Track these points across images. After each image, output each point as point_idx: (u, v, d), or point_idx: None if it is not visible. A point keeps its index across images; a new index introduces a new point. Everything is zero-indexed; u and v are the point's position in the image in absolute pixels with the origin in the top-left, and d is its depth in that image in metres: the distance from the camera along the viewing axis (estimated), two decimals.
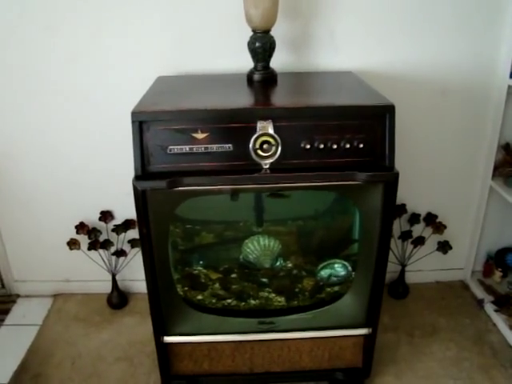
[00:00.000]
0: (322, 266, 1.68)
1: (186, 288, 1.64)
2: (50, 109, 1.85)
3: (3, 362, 1.82)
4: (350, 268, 1.66)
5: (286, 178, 1.31)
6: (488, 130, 1.94)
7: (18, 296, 2.22)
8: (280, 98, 1.55)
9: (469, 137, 1.97)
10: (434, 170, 2.02)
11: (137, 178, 1.29)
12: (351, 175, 1.30)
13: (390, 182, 1.32)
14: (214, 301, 1.65)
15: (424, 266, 2.19)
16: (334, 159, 1.32)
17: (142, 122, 1.26)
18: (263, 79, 1.59)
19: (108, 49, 1.76)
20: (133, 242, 2.05)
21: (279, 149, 1.29)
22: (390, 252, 1.51)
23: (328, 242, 1.74)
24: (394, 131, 1.31)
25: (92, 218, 2.03)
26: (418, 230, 2.08)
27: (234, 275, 1.70)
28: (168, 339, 1.54)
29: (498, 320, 1.95)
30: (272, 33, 1.57)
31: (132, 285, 2.17)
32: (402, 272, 2.12)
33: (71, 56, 1.76)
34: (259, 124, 1.27)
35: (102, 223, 2.03)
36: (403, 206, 2.03)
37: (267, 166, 1.30)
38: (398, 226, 2.05)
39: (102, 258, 2.05)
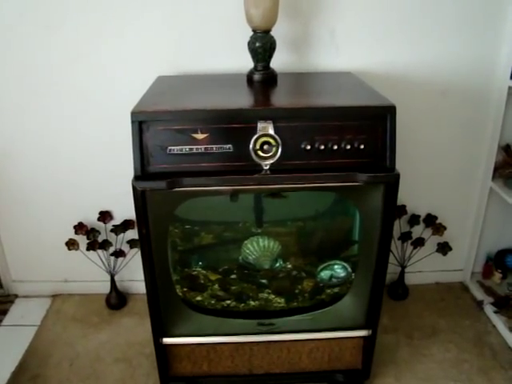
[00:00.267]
0: (321, 267, 1.68)
1: (185, 289, 1.63)
2: (49, 109, 1.84)
3: (1, 363, 1.81)
4: (349, 269, 1.66)
5: (286, 179, 1.30)
6: (488, 131, 1.94)
7: (17, 296, 2.21)
8: (280, 98, 1.54)
9: (469, 138, 1.97)
10: (434, 171, 2.01)
11: (136, 178, 1.28)
12: (352, 176, 1.29)
13: (391, 183, 1.31)
14: (213, 302, 1.65)
15: (424, 268, 2.18)
16: (334, 160, 1.31)
17: (141, 122, 1.25)
18: (263, 79, 1.58)
19: (108, 48, 1.75)
20: (132, 243, 2.04)
21: (279, 149, 1.28)
22: (390, 253, 1.51)
23: (328, 243, 1.73)
24: (395, 132, 1.30)
25: (91, 219, 2.02)
26: (418, 231, 2.07)
27: (233, 276, 1.70)
28: (167, 340, 1.53)
29: (498, 321, 1.94)
30: (272, 33, 1.56)
31: (131, 285, 2.17)
32: (402, 273, 2.12)
33: (71, 56, 1.76)
34: (259, 124, 1.27)
35: (101, 223, 2.02)
36: (403, 207, 2.02)
37: (267, 167, 1.29)
38: (398, 227, 2.04)
39: (101, 259, 2.05)
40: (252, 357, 1.60)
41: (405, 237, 2.06)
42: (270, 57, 1.58)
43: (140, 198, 1.28)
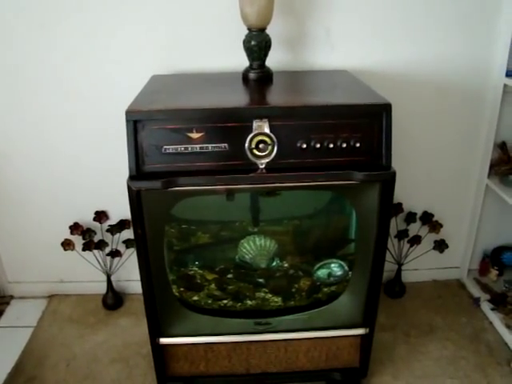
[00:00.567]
0: (318, 265, 1.68)
1: (181, 289, 1.63)
2: (43, 108, 1.83)
3: None
4: (346, 268, 1.66)
5: (282, 178, 1.29)
6: (484, 129, 1.94)
7: (12, 297, 2.20)
8: (276, 96, 1.54)
9: (465, 135, 1.97)
10: (430, 169, 2.01)
11: (131, 177, 1.27)
12: (348, 175, 1.29)
13: (387, 181, 1.31)
14: (209, 301, 1.64)
15: (420, 265, 2.19)
16: (330, 158, 1.31)
17: (136, 122, 1.25)
18: (259, 78, 1.57)
19: (102, 48, 1.74)
20: (128, 243, 2.03)
21: (275, 148, 1.28)
22: (387, 251, 1.51)
23: (324, 241, 1.73)
24: (391, 130, 1.30)
25: (86, 219, 2.01)
26: (415, 228, 2.07)
27: (230, 275, 1.69)
28: (164, 341, 1.53)
29: (494, 318, 1.95)
30: (267, 31, 1.55)
31: (127, 285, 2.16)
32: (399, 271, 2.12)
33: (66, 55, 1.75)
34: (255, 123, 1.26)
35: (97, 223, 2.01)
36: (399, 204, 2.02)
37: (263, 166, 1.29)
38: (395, 224, 2.04)
39: (97, 259, 2.04)
40: (249, 356, 1.60)
41: (401, 235, 2.06)
42: (266, 55, 1.57)
43: (135, 197, 1.27)
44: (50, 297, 2.19)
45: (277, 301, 1.65)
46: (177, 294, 1.59)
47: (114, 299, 2.10)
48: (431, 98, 1.88)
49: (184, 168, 1.28)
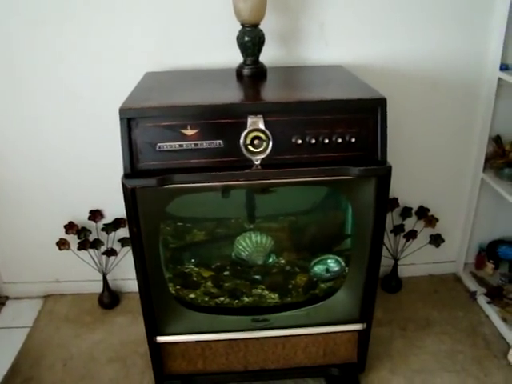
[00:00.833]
0: (315, 261, 1.67)
1: (177, 287, 1.62)
2: (37, 106, 1.82)
3: None
4: (343, 263, 1.65)
5: (277, 174, 1.29)
6: (478, 123, 1.94)
7: (8, 298, 2.19)
8: (270, 92, 1.53)
9: (460, 129, 1.97)
10: (425, 164, 2.01)
11: (126, 175, 1.26)
12: (343, 170, 1.29)
13: (383, 176, 1.30)
14: (206, 299, 1.63)
15: (416, 260, 2.19)
16: (325, 154, 1.30)
17: (130, 119, 1.24)
18: (253, 74, 1.56)
19: (95, 45, 1.72)
20: (123, 241, 2.02)
21: (270, 144, 1.27)
22: (383, 246, 1.51)
23: (321, 237, 1.73)
24: (386, 125, 1.29)
25: (81, 218, 2.00)
26: (410, 223, 2.07)
27: (226, 273, 1.69)
28: (161, 339, 1.52)
29: (491, 312, 1.95)
30: (261, 27, 1.54)
31: (123, 284, 2.15)
32: (395, 266, 2.12)
33: (58, 53, 1.73)
34: (250, 119, 1.25)
35: (92, 222, 2.00)
36: (395, 199, 2.02)
37: (258, 162, 1.28)
38: (390, 219, 2.04)
39: (93, 258, 2.03)
40: (247, 353, 1.60)
41: (397, 229, 2.06)
42: (259, 51, 1.56)
43: (130, 195, 1.26)
44: (46, 297, 2.17)
45: (274, 297, 1.64)
46: (173, 292, 1.58)
47: (110, 298, 2.09)
48: (426, 92, 1.87)
49: (179, 165, 1.27)
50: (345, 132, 1.29)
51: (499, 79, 1.80)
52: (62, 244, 2.00)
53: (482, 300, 2.02)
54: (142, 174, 1.26)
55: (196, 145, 1.26)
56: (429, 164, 2.02)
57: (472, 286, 2.11)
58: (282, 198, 1.61)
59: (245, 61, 1.58)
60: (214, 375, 1.63)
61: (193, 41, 1.72)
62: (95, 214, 2.00)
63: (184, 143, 1.26)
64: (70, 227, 1.99)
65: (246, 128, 1.26)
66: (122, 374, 1.76)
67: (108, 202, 1.97)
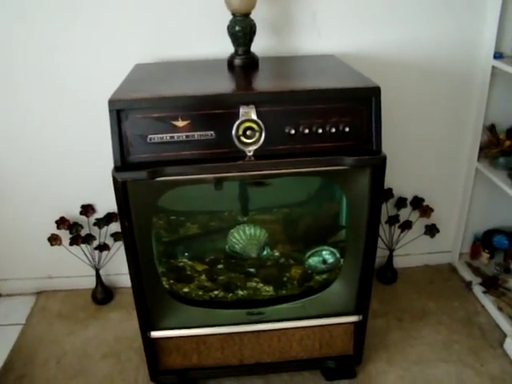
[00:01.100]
0: (309, 253, 1.66)
1: (171, 281, 1.60)
2: (26, 100, 1.78)
3: None
4: (338, 255, 1.64)
5: (270, 165, 1.27)
6: (473, 112, 1.93)
7: (0, 295, 2.16)
8: (262, 82, 1.51)
9: (454, 118, 1.95)
10: (419, 153, 2.00)
11: (116, 169, 1.24)
12: (337, 160, 1.27)
13: (378, 165, 1.29)
14: (200, 293, 1.62)
15: (412, 250, 2.18)
16: (319, 144, 1.28)
17: (119, 111, 1.21)
18: (244, 64, 1.54)
19: (84, 37, 1.69)
20: (115, 236, 2.00)
21: (263, 135, 1.25)
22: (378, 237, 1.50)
23: (315, 228, 1.71)
24: (381, 114, 1.28)
25: (73, 212, 1.97)
26: (405, 214, 2.06)
27: (220, 266, 1.67)
28: (155, 334, 1.50)
29: (486, 301, 1.95)
30: (252, 16, 1.52)
31: (117, 279, 2.13)
32: (390, 257, 2.11)
33: (46, 45, 1.70)
34: (242, 110, 1.23)
35: (84, 217, 1.97)
36: (390, 190, 2.01)
37: (251, 153, 1.26)
38: (385, 210, 2.03)
39: (85, 253, 2.00)
40: (242, 347, 1.58)
41: (392, 220, 2.05)
42: (251, 41, 1.54)
43: (121, 189, 1.24)
44: (39, 293, 2.15)
45: (268, 290, 1.63)
46: (167, 286, 1.56)
47: (103, 293, 2.07)
48: (419, 81, 1.86)
49: (170, 157, 1.25)
50: (338, 121, 1.27)
51: (493, 67, 1.79)
52: (54, 239, 1.98)
53: (478, 290, 2.01)
54: (132, 167, 1.24)
55: (187, 136, 1.24)
56: (423, 154, 2.01)
57: (467, 275, 2.10)
58: (276, 189, 1.59)
59: (236, 51, 1.55)
60: (209, 369, 1.62)
61: (183, 31, 1.70)
62: (87, 209, 1.97)
63: (175, 135, 1.24)
64: (61, 222, 1.96)
65: (238, 118, 1.23)
66: (117, 370, 1.74)
67: (100, 196, 1.95)
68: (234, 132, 1.24)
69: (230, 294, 1.62)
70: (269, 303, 1.56)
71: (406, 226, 2.05)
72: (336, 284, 1.53)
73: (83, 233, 1.99)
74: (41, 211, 1.98)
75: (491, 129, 1.93)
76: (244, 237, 1.65)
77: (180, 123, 1.23)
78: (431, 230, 2.07)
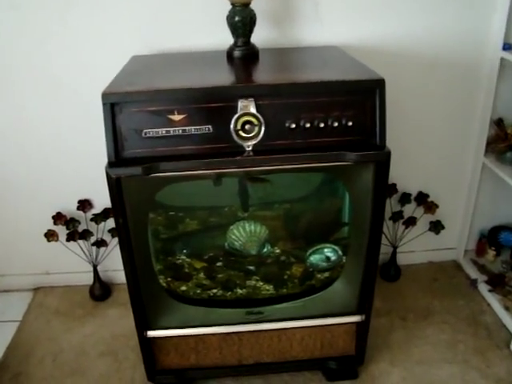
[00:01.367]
0: (311, 251, 1.61)
1: (169, 279, 1.56)
2: (21, 93, 1.74)
3: None
4: (340, 252, 1.60)
5: (270, 160, 1.22)
6: (480, 105, 1.87)
7: None
8: (262, 74, 1.45)
9: (460, 112, 1.90)
10: (424, 148, 1.95)
11: (110, 164, 1.19)
12: (340, 155, 1.22)
13: (382, 161, 1.24)
14: (198, 291, 1.57)
15: (416, 247, 2.14)
16: (321, 139, 1.23)
17: (113, 104, 1.16)
18: (244, 56, 1.49)
19: (79, 28, 1.64)
20: (113, 232, 1.96)
21: (262, 129, 1.20)
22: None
23: (317, 225, 1.67)
24: (385, 107, 1.22)
25: (70, 208, 1.94)
26: (410, 210, 2.01)
27: (219, 264, 1.62)
28: (152, 334, 1.47)
29: (493, 300, 1.90)
30: (252, 6, 1.47)
31: (115, 275, 2.09)
32: (394, 253, 2.07)
33: (40, 37, 1.65)
34: (240, 103, 1.18)
35: (81, 212, 1.94)
36: (394, 185, 1.96)
37: (250, 148, 1.21)
38: (389, 206, 1.98)
39: (82, 249, 1.97)
40: (241, 347, 1.54)
41: (396, 216, 2.00)
42: (251, 32, 1.49)
43: (115, 185, 1.20)
44: (36, 289, 2.12)
45: (268, 289, 1.59)
46: (164, 284, 1.53)
47: (101, 290, 2.04)
48: (425, 73, 1.80)
49: (166, 152, 1.20)
50: (341, 115, 1.22)
51: (502, 59, 1.73)
52: (51, 235, 1.94)
53: (484, 288, 1.96)
54: (127, 163, 1.19)
55: (184, 131, 1.19)
56: (428, 148, 1.95)
57: (473, 273, 2.06)
58: (277, 185, 1.54)
59: (235, 42, 1.50)
60: (208, 369, 1.58)
61: (181, 22, 1.64)
62: (84, 204, 1.93)
63: (171, 129, 1.19)
64: (58, 218, 1.93)
65: (236, 112, 1.18)
66: (114, 368, 1.71)
67: (97, 191, 1.90)
68: (232, 126, 1.19)
69: (229, 293, 1.58)
70: (269, 302, 1.52)
71: (411, 222, 2.01)
72: (338, 283, 1.49)
73: (80, 228, 1.95)
74: (37, 206, 1.95)
75: (499, 123, 1.87)
76: (244, 233, 1.61)
77: (176, 117, 1.18)
78: (436, 227, 2.02)
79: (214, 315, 1.49)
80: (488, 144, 1.89)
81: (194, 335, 1.50)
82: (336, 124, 1.22)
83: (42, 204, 1.94)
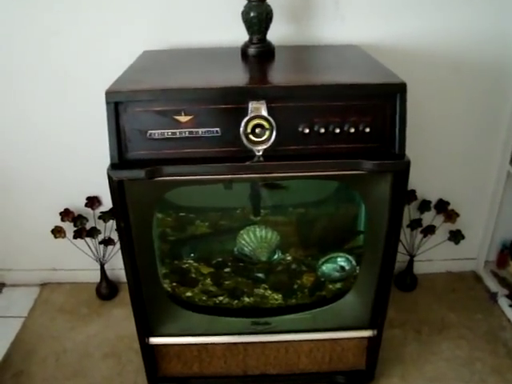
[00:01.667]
0: (323, 260, 1.54)
1: (174, 284, 1.51)
2: (29, 88, 1.70)
3: None
4: (354, 262, 1.52)
5: (281, 167, 1.15)
6: (507, 110, 1.77)
7: (4, 285, 2.11)
8: (276, 74, 1.38)
9: (485, 117, 1.80)
10: (446, 154, 1.85)
11: (113, 166, 1.14)
12: (356, 164, 1.14)
13: (400, 171, 1.16)
14: (204, 298, 1.52)
15: (434, 256, 2.05)
16: (336, 145, 1.16)
17: (117, 103, 1.11)
18: (259, 53, 1.42)
19: (89, 21, 1.59)
20: None
21: (274, 133, 1.13)
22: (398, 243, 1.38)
23: (331, 232, 1.59)
24: (406, 113, 1.14)
25: (78, 204, 1.89)
26: (429, 218, 1.93)
27: (227, 270, 1.57)
28: (154, 340, 1.42)
29: None
30: (269, 1, 1.39)
31: (122, 274, 2.00)
32: (411, 262, 1.98)
33: (50, 31, 1.60)
34: (251, 105, 1.11)
35: (89, 209, 1.89)
36: (413, 192, 1.87)
37: (260, 153, 1.14)
38: (407, 213, 1.90)
39: (90, 247, 1.93)
40: (246, 357, 1.49)
41: (414, 224, 1.92)
42: (267, 28, 1.42)
43: (117, 188, 1.14)
44: (43, 285, 2.09)
45: (277, 298, 1.52)
46: (169, 289, 1.48)
47: (108, 289, 2.00)
48: (448, 75, 1.70)
49: (171, 155, 1.14)
50: (358, 121, 1.14)
51: None
52: (58, 232, 1.90)
53: (504, 302, 1.87)
54: (130, 165, 1.14)
55: (191, 133, 1.13)
56: (450, 154, 1.86)
57: (493, 286, 1.97)
58: (290, 189, 1.48)
59: (250, 39, 1.43)
60: (211, 379, 1.53)
61: (195, 16, 1.58)
62: (92, 201, 1.89)
63: (177, 131, 1.13)
64: (65, 214, 1.88)
65: (246, 115, 1.11)
66: (116, 372, 1.67)
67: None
68: (241, 129, 1.12)
69: (236, 301, 1.52)
70: (276, 312, 1.46)
71: (429, 230, 1.92)
72: (350, 294, 1.42)
73: (88, 226, 1.91)
74: (46, 202, 1.91)
75: None
76: (254, 239, 1.55)
77: (183, 118, 1.12)
78: (456, 237, 1.93)
79: (218, 324, 1.43)
80: None
81: (198, 344, 1.44)
82: (352, 130, 1.14)
83: (50, 199, 1.90)
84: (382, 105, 1.14)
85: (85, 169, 1.84)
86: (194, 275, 1.55)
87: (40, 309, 1.97)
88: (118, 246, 1.94)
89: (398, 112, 1.14)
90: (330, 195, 1.57)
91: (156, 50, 1.58)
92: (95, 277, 2.00)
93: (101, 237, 1.92)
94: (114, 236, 1.92)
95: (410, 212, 1.91)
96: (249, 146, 1.14)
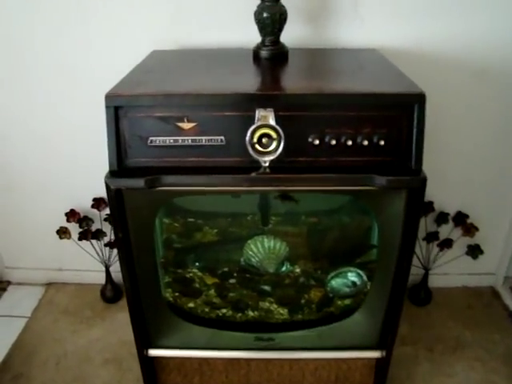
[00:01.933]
0: (333, 274, 1.47)
1: (176, 293, 1.46)
2: (34, 88, 1.66)
3: None
4: (365, 278, 1.45)
5: (288, 180, 1.09)
6: None
7: (9, 283, 2.09)
8: (287, 80, 1.31)
9: (508, 126, 1.70)
10: (466, 165, 1.77)
11: (111, 173, 1.09)
12: (368, 179, 1.07)
13: (416, 188, 1.08)
14: (207, 310, 1.46)
15: (450, 269, 1.96)
16: (348, 158, 1.09)
17: (117, 108, 1.05)
18: (271, 56, 1.35)
19: (97, 18, 1.54)
20: None
21: (281, 144, 1.06)
22: (413, 256, 1.30)
23: (342, 245, 1.52)
24: (424, 125, 1.07)
25: (84, 205, 1.85)
26: (446, 231, 1.84)
27: (232, 281, 1.50)
28: (152, 352, 1.37)
29: None
30: (283, 1, 1.33)
31: None
32: (426, 276, 1.90)
33: (56, 29, 1.56)
34: (258, 113, 1.04)
35: (95, 211, 1.85)
36: (430, 203, 1.79)
37: (267, 164, 1.08)
38: (424, 225, 1.82)
39: (95, 249, 1.89)
40: (249, 372, 1.43)
41: (431, 237, 1.83)
42: (280, 30, 1.35)
43: (115, 197, 1.09)
44: (48, 285, 2.06)
45: (282, 313, 1.46)
46: (171, 298, 1.43)
47: (113, 292, 1.96)
48: (471, 83, 1.61)
49: (173, 164, 1.09)
50: (372, 133, 1.07)
51: None
52: (63, 233, 1.87)
53: None
54: (129, 173, 1.08)
55: (193, 140, 1.07)
56: (470, 165, 1.77)
57: None
58: (301, 197, 1.41)
59: (263, 41, 1.37)
60: None
61: (206, 16, 1.52)
62: (99, 202, 1.85)
63: (179, 138, 1.07)
64: (71, 215, 1.85)
65: (253, 123, 1.05)
66: (116, 379, 1.63)
67: None
68: (247, 139, 1.06)
69: (239, 314, 1.46)
70: (281, 328, 1.40)
71: (446, 244, 1.83)
72: (359, 312, 1.35)
73: (93, 227, 1.87)
74: (52, 201, 1.88)
75: None
76: (262, 250, 1.48)
77: (186, 125, 1.06)
78: (474, 251, 1.84)
79: (220, 338, 1.38)
80: None
81: (199, 357, 1.39)
82: (366, 142, 1.07)
83: (57, 199, 1.87)
84: (398, 116, 1.07)
85: (92, 169, 1.77)
86: (197, 285, 1.49)
87: (44, 309, 1.94)
88: None
89: (416, 124, 1.06)
90: (343, 205, 1.50)
91: (165, 50, 1.52)
92: (101, 278, 1.96)
93: (106, 239, 1.88)
94: None
95: (426, 224, 1.82)
96: (255, 156, 1.07)
